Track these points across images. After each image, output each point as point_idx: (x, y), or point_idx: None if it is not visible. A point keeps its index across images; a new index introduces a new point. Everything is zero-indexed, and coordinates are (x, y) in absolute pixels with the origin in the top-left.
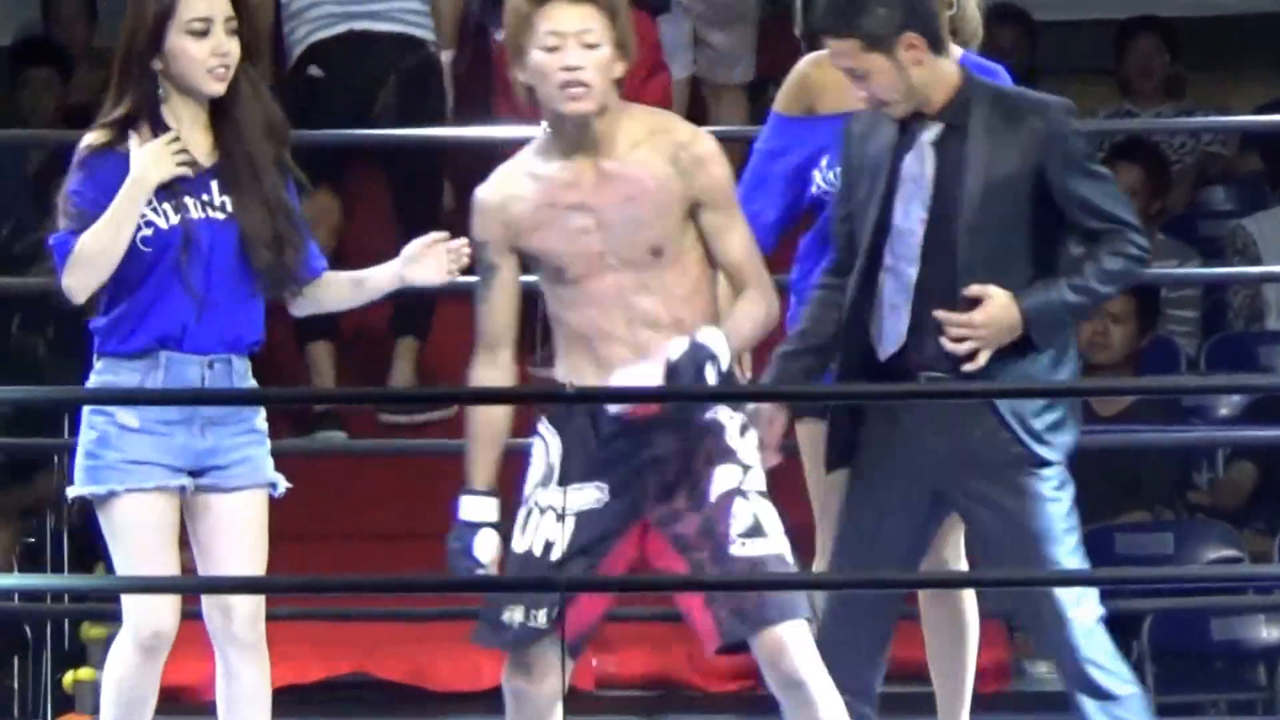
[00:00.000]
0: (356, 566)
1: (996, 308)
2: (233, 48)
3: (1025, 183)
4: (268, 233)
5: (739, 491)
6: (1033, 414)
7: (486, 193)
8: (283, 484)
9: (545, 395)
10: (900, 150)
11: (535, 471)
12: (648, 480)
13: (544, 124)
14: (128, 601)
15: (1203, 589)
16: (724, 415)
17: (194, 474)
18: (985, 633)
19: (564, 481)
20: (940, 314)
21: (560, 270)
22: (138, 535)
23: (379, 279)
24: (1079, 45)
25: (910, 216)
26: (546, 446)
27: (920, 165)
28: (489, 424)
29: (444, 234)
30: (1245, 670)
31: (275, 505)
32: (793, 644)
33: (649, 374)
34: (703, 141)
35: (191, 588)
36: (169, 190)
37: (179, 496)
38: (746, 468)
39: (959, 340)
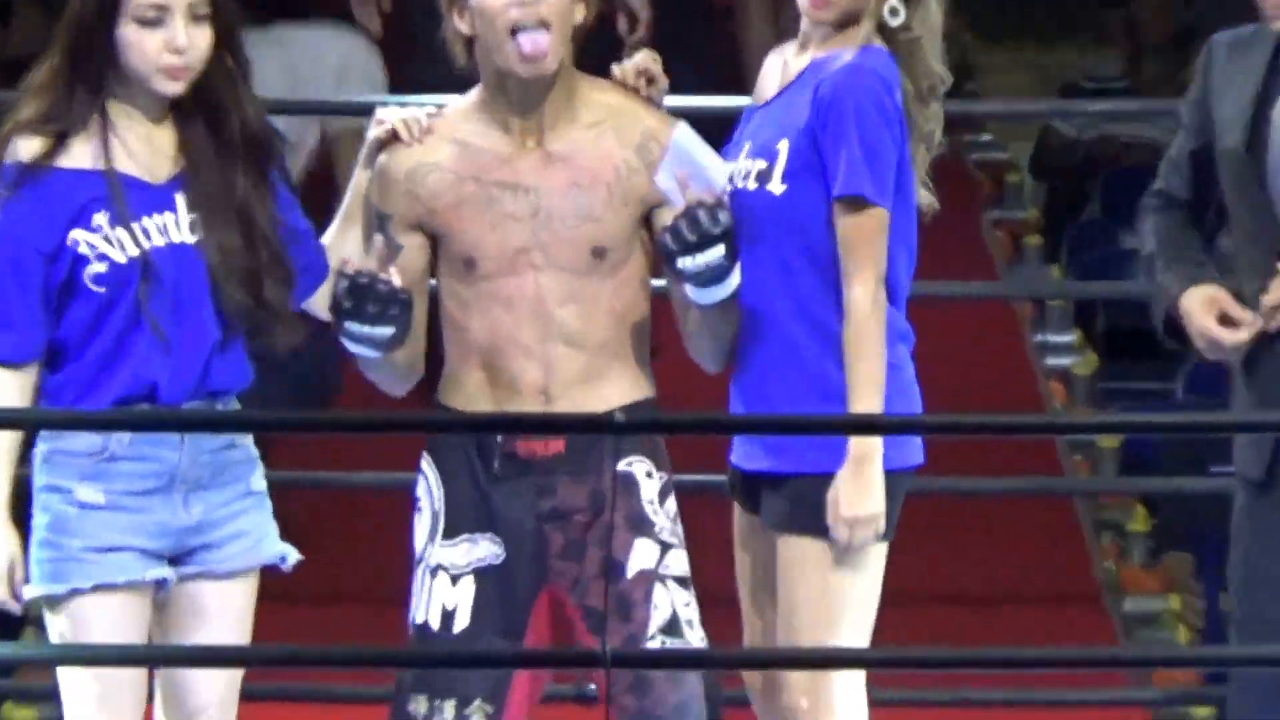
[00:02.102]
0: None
1: None
2: (198, 40)
3: None
4: (241, 265)
5: (657, 576)
6: None
7: (391, 159)
8: (294, 555)
9: (586, 423)
10: (1272, 75)
11: (422, 522)
12: (550, 535)
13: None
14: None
15: None
16: (640, 470)
17: (175, 559)
18: None
19: (452, 534)
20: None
21: (470, 262)
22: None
23: None
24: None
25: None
26: (429, 489)
27: None
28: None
29: None
30: None
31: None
32: None
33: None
34: (678, 131)
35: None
36: (122, 214)
37: (153, 594)
38: (666, 546)
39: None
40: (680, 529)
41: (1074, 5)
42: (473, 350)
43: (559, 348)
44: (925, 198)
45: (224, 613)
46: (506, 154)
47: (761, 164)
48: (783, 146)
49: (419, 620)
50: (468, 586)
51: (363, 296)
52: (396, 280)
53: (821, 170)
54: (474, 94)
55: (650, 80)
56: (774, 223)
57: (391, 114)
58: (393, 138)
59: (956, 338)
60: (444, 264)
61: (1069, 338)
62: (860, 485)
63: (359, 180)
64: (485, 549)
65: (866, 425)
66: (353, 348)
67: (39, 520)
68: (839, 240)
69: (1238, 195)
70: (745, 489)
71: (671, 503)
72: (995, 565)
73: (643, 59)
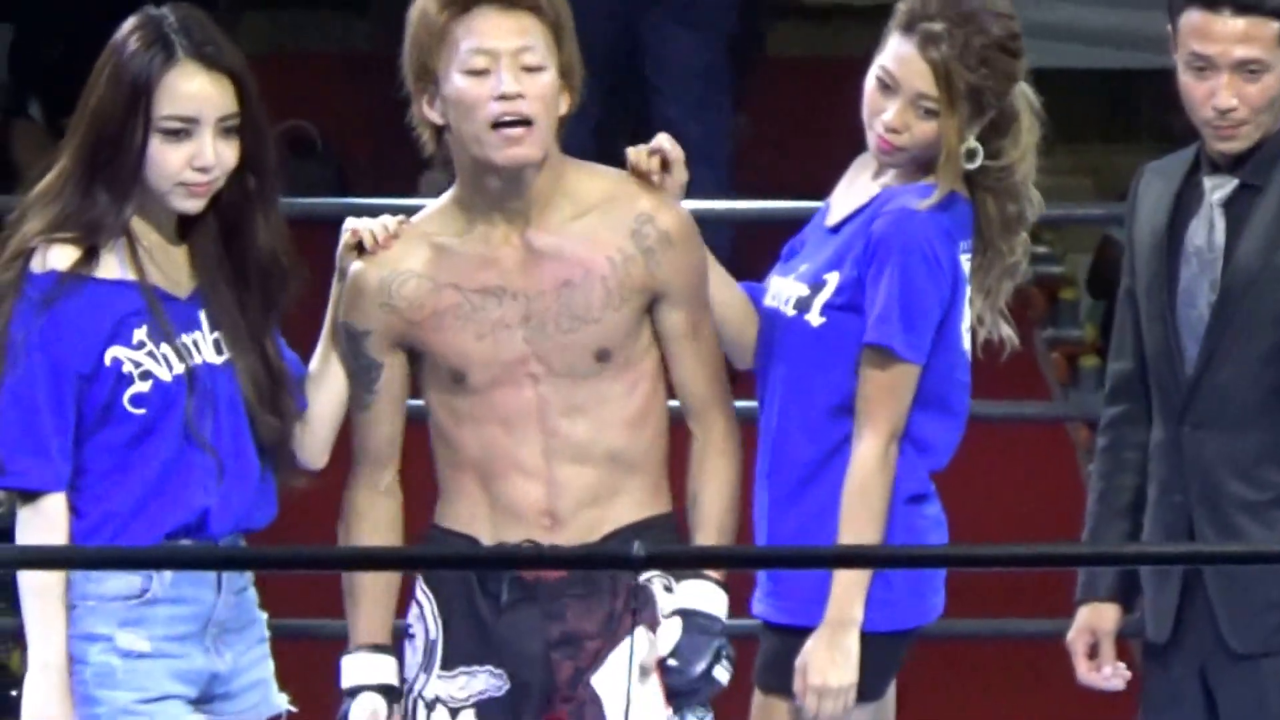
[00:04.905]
0: None
1: None
2: (224, 155)
3: None
4: (270, 394)
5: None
6: None
7: (363, 268)
8: (285, 705)
9: (603, 558)
10: (1180, 213)
11: (414, 651)
12: (559, 664)
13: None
14: None
15: None
16: (658, 585)
17: (197, 702)
18: None
19: (449, 665)
20: None
21: (459, 375)
22: None
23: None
24: None
25: (1196, 300)
26: (424, 618)
27: (1207, 233)
28: (374, 576)
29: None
30: None
31: None
32: None
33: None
34: (673, 215)
35: None
36: (165, 329)
37: None
38: None
39: None
40: None
41: (1140, 102)
42: (468, 468)
43: (565, 466)
44: (1006, 331)
45: None
46: (488, 255)
47: (804, 290)
48: (830, 279)
49: None
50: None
51: None
52: None
53: (863, 311)
54: (450, 193)
55: (665, 164)
56: (806, 353)
57: (361, 223)
58: (360, 248)
59: (1006, 465)
60: (430, 377)
61: None
62: (833, 654)
63: (336, 302)
64: (484, 682)
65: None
66: None
67: (80, 673)
68: (858, 389)
69: (1148, 328)
70: None
71: None
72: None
73: (659, 139)
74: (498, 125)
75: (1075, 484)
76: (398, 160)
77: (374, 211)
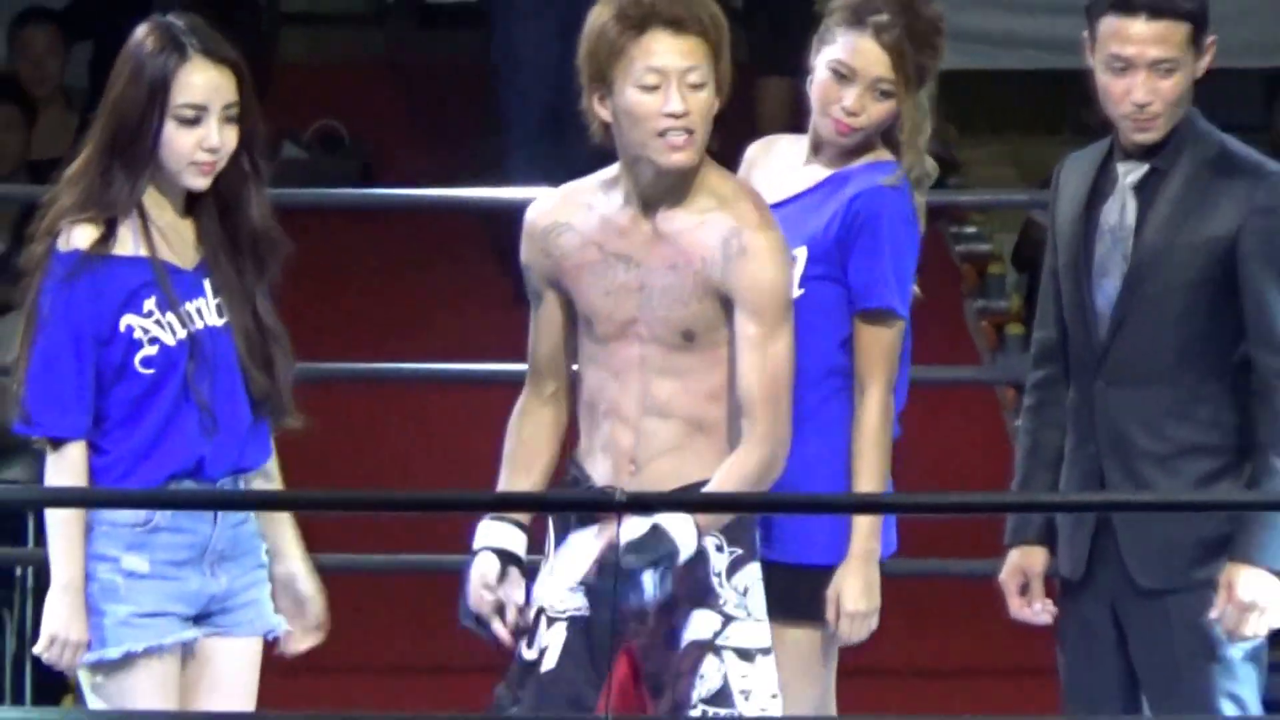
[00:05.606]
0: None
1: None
2: (227, 138)
3: (1215, 255)
4: (259, 350)
5: (712, 646)
6: None
7: (535, 214)
8: (283, 626)
9: (588, 502)
10: (1096, 196)
11: (544, 564)
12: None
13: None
14: None
15: None
16: (710, 544)
17: (197, 619)
18: None
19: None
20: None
21: (589, 322)
22: (150, 704)
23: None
24: (1231, 98)
25: (1110, 272)
26: (550, 532)
27: (1120, 212)
28: (526, 450)
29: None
30: None
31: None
32: None
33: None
34: (763, 236)
35: None
36: (171, 299)
37: (181, 652)
38: (728, 618)
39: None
40: (757, 602)
41: (1058, 99)
42: (586, 406)
43: (652, 419)
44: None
45: (232, 672)
46: (625, 225)
47: None
48: (800, 253)
49: (526, 657)
50: (560, 631)
51: None
52: None
53: (842, 278)
54: (612, 169)
55: None
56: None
57: None
58: None
59: (940, 422)
60: (579, 321)
61: None
62: (865, 582)
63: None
64: (581, 600)
65: (864, 504)
66: None
67: (87, 587)
68: (859, 349)
69: (1067, 298)
70: None
71: (745, 577)
72: (974, 641)
73: None
74: (664, 134)
75: (1002, 439)
76: (416, 153)
77: (395, 202)
